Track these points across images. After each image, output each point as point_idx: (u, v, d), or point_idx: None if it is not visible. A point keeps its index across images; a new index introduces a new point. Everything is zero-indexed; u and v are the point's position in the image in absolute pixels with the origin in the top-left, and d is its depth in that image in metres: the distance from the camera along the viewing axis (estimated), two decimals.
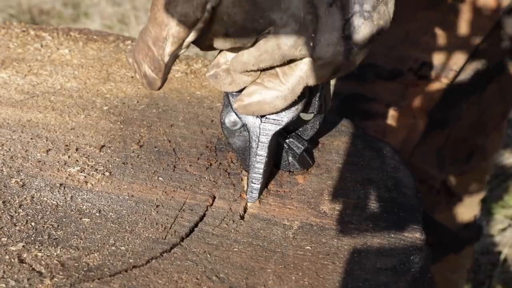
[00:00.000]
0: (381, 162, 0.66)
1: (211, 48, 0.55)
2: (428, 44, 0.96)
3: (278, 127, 0.59)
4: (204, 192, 0.60)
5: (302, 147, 0.62)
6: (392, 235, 0.55)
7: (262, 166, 0.60)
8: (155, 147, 0.66)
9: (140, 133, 0.69)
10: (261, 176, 0.60)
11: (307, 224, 0.57)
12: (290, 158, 0.63)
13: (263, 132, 0.59)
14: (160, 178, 0.61)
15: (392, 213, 0.59)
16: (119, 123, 0.70)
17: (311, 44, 0.52)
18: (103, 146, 0.66)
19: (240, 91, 0.58)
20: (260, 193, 0.60)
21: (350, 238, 0.55)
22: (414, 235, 0.56)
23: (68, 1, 2.81)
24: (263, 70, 0.55)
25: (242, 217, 0.57)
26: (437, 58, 0.96)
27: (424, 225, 0.92)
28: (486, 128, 1.05)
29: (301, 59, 0.53)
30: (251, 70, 0.55)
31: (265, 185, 0.61)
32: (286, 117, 0.59)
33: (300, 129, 0.63)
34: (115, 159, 0.64)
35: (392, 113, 1.00)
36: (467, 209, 1.13)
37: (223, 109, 0.61)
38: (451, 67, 0.96)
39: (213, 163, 0.64)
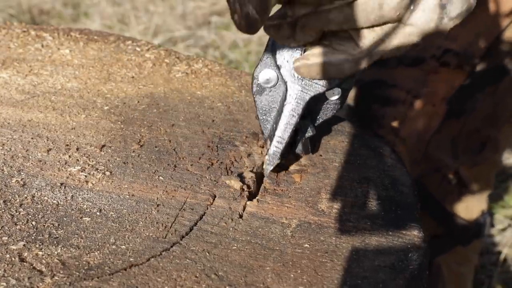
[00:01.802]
0: (377, 161, 0.66)
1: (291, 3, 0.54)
2: (451, 32, 0.96)
3: (317, 92, 0.60)
4: (205, 192, 0.60)
5: (311, 133, 0.64)
6: (390, 233, 0.56)
7: (291, 129, 0.61)
8: (155, 147, 0.67)
9: (141, 133, 0.69)
10: (286, 140, 0.61)
11: (305, 222, 0.57)
12: (297, 138, 0.65)
13: (301, 93, 0.60)
14: (161, 178, 0.62)
15: (390, 211, 0.59)
16: (119, 123, 0.71)
17: (412, 8, 0.52)
18: (103, 145, 0.66)
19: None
20: (279, 159, 0.62)
21: (349, 236, 0.55)
22: (412, 233, 0.56)
23: (68, 1, 2.81)
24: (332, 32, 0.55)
25: (241, 216, 0.58)
26: (460, 46, 0.96)
27: (435, 214, 0.92)
28: (499, 120, 1.06)
29: (393, 22, 0.54)
30: (328, 30, 0.55)
31: (282, 155, 0.63)
32: (328, 84, 0.60)
33: (317, 113, 0.65)
34: (116, 159, 0.64)
35: (412, 100, 1.01)
36: (477, 203, 1.14)
37: (260, 64, 0.62)
38: (474, 54, 0.96)
39: (214, 162, 0.65)
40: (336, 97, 0.63)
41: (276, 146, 0.62)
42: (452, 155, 1.06)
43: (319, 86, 0.60)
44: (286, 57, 0.61)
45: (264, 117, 0.64)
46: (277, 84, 0.62)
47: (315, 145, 0.68)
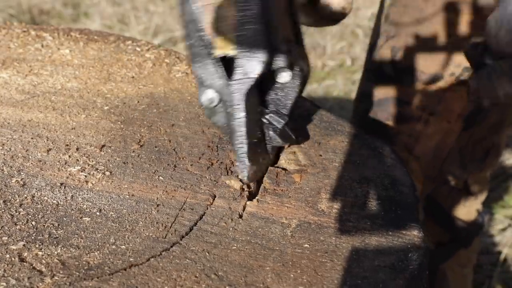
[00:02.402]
0: (377, 161, 0.66)
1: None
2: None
3: (249, 84, 0.59)
4: (205, 192, 0.60)
5: (283, 121, 0.63)
6: (390, 233, 0.56)
7: (244, 128, 0.60)
8: (155, 147, 0.67)
9: (141, 133, 0.69)
10: (245, 140, 0.60)
11: (305, 222, 0.57)
12: (271, 133, 0.64)
13: (235, 94, 0.60)
14: (161, 178, 0.62)
15: (390, 211, 0.59)
16: (119, 123, 0.71)
17: None
18: (103, 145, 0.66)
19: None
20: (251, 161, 0.61)
21: (349, 236, 0.55)
22: (412, 233, 0.56)
23: (68, 1, 2.81)
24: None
25: (241, 216, 0.58)
26: None
27: (442, 222, 0.93)
28: (502, 127, 1.06)
29: None
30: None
31: (256, 160, 0.62)
32: (253, 73, 0.59)
33: (280, 100, 0.64)
34: (116, 159, 0.64)
35: (427, 117, 1.00)
36: (477, 205, 1.14)
37: (199, 90, 0.62)
38: None
39: (214, 162, 0.65)
40: (287, 78, 0.62)
41: (238, 150, 0.61)
42: (460, 166, 1.06)
43: (249, 79, 0.59)
44: (211, 72, 0.60)
45: (228, 132, 0.63)
46: (220, 100, 0.62)
47: (298, 134, 0.67)
